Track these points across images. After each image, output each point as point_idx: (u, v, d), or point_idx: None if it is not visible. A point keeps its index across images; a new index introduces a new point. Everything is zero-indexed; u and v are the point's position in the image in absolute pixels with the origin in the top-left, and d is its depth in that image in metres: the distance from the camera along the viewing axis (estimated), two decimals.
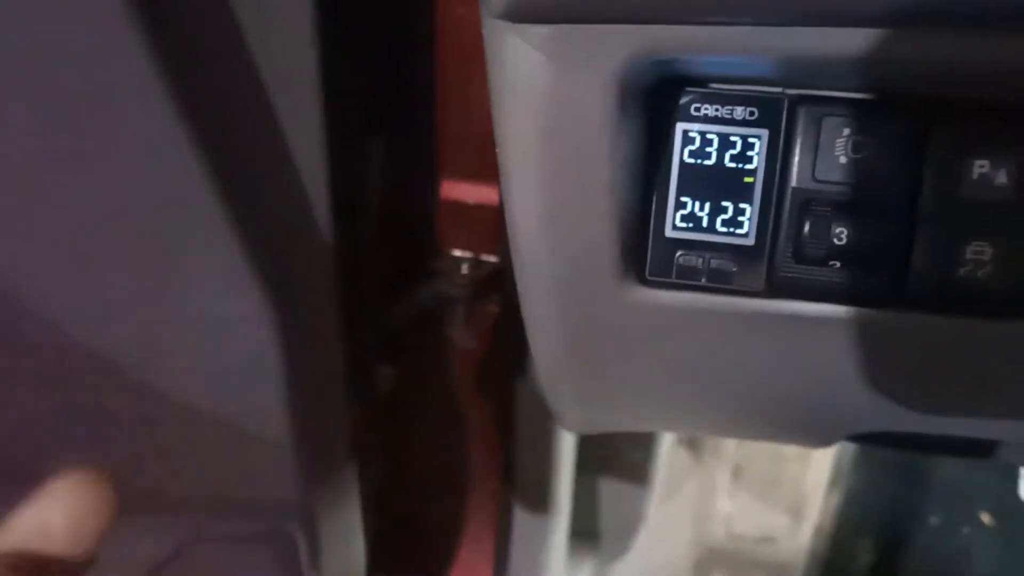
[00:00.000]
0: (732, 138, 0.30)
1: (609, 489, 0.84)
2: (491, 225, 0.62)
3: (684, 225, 0.31)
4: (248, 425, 0.50)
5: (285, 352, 0.49)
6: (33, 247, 0.45)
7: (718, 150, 0.30)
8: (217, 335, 0.48)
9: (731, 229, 0.31)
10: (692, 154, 0.30)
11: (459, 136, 0.61)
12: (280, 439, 0.51)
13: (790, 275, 0.31)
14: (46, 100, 0.42)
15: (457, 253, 0.65)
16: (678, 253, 0.31)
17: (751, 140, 0.30)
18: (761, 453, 1.02)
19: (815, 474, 1.01)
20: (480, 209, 0.62)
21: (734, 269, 0.31)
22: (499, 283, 0.64)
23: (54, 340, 0.46)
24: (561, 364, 0.35)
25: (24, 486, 0.48)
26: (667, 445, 0.85)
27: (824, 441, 0.41)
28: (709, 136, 0.30)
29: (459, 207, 0.63)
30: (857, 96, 0.29)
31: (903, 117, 0.29)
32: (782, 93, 0.30)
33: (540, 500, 0.75)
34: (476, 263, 0.64)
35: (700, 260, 0.31)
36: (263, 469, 0.52)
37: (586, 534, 0.85)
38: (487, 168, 0.61)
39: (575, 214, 0.30)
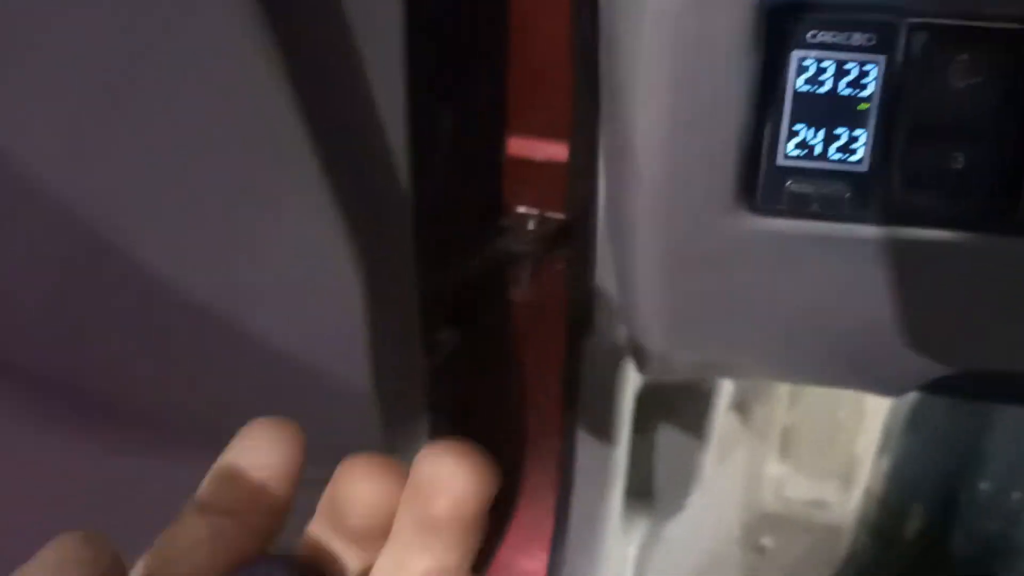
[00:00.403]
0: (847, 65, 0.30)
1: (664, 450, 0.85)
2: (558, 182, 0.63)
3: (796, 153, 0.31)
4: (331, 374, 0.51)
5: (367, 303, 0.50)
6: (123, 187, 0.46)
7: (833, 77, 0.31)
8: (304, 285, 0.49)
9: (844, 156, 0.31)
10: (807, 81, 0.31)
11: (527, 92, 0.61)
12: (360, 388, 0.52)
13: (903, 201, 0.31)
14: (138, 41, 0.42)
15: (523, 210, 0.65)
16: (789, 181, 0.32)
17: (867, 67, 0.30)
18: (812, 417, 1.02)
19: (866, 439, 1.01)
20: (547, 166, 0.63)
21: (847, 196, 0.31)
22: (565, 239, 0.64)
23: (142, 280, 0.47)
24: (664, 294, 0.36)
25: (115, 423, 0.50)
26: (722, 406, 0.85)
27: (911, 384, 0.41)
28: (824, 64, 0.30)
29: (526, 164, 0.63)
30: (972, 23, 0.30)
31: (1018, 43, 0.29)
32: (899, 20, 0.30)
33: (599, 459, 0.76)
34: (542, 219, 0.65)
35: (812, 187, 0.32)
36: (344, 416, 0.53)
37: (641, 493, 0.86)
38: (555, 125, 0.61)
39: (696, 139, 0.31)
